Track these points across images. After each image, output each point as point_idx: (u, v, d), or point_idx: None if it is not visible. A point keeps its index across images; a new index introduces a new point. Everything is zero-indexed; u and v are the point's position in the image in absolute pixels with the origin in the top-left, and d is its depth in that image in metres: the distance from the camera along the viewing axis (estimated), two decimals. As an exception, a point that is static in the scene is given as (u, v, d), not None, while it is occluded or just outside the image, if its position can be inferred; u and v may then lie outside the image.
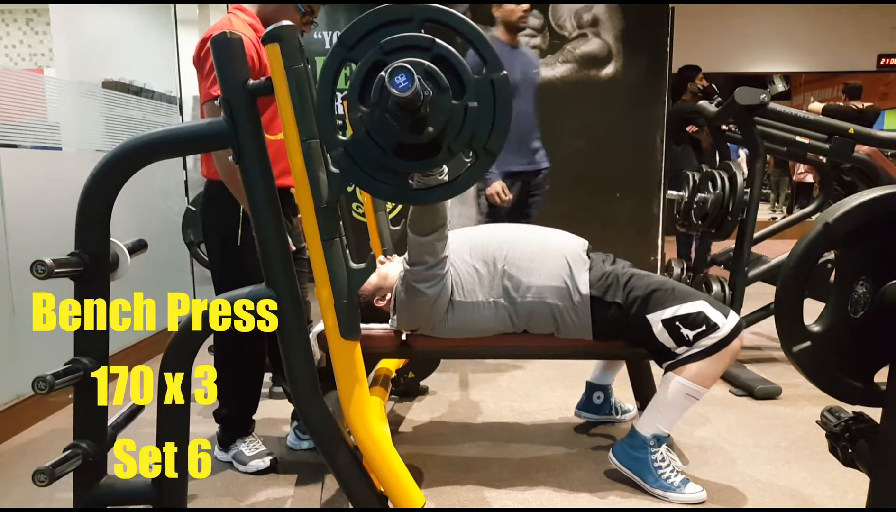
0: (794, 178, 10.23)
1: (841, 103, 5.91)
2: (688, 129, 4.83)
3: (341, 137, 1.21)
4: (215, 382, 2.08)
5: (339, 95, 4.56)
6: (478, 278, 1.88)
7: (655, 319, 1.81)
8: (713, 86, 4.76)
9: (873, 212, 1.18)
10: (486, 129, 1.17)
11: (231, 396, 2.10)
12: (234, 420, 2.11)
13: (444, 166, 1.40)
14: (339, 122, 2.57)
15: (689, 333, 1.78)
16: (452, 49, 1.15)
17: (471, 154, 1.21)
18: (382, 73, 1.12)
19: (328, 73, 1.20)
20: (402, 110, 1.11)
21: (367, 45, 1.16)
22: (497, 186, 2.95)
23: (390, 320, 2.00)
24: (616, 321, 1.85)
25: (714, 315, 1.79)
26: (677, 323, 1.79)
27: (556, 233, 2.04)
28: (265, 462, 2.05)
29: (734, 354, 1.81)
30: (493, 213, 3.04)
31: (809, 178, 9.31)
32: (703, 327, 1.78)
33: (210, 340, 1.87)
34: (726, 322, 1.79)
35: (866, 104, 5.78)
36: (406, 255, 1.84)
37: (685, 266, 3.24)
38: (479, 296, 1.87)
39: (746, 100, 2.62)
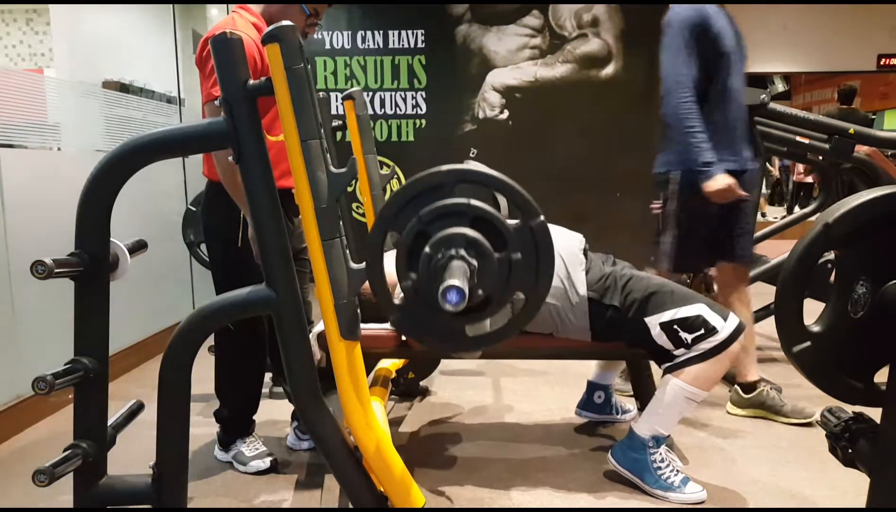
0: (794, 178, 10.24)
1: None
2: None
3: (396, 301, 1.26)
4: (215, 382, 2.11)
5: (339, 95, 4.57)
6: None
7: (653, 322, 1.81)
8: None
9: (873, 212, 1.18)
10: (532, 276, 1.21)
11: (231, 397, 2.10)
12: (235, 420, 2.11)
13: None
14: (339, 122, 2.59)
15: (687, 337, 1.78)
16: (488, 208, 1.19)
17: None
18: (427, 248, 1.18)
19: (376, 247, 1.25)
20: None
21: (407, 215, 1.21)
22: (721, 181, 2.17)
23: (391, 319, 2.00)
24: (614, 323, 1.85)
25: (713, 318, 1.78)
26: (675, 326, 1.79)
27: (552, 229, 2.02)
28: (265, 462, 2.05)
29: (733, 357, 1.80)
30: (700, 219, 2.28)
31: (809, 179, 9.32)
32: (702, 331, 1.77)
33: (210, 340, 1.87)
34: (725, 325, 1.78)
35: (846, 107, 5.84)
36: None
37: (685, 266, 3.24)
38: None
39: (746, 100, 2.62)
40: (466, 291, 1.10)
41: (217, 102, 1.68)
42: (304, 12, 1.93)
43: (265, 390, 2.49)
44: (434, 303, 1.17)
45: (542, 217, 1.19)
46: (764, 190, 11.13)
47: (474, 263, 1.16)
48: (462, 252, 1.15)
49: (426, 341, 1.35)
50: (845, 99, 5.91)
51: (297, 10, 1.92)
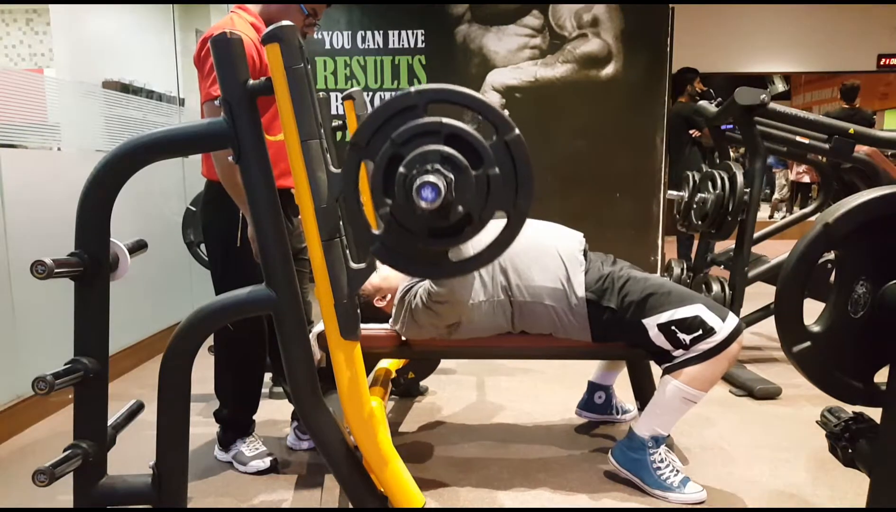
0: (793, 178, 10.24)
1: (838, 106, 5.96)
2: (691, 132, 4.83)
3: (375, 232, 1.22)
4: (215, 382, 2.11)
5: (339, 95, 4.57)
6: (479, 279, 1.88)
7: (651, 323, 1.80)
8: (710, 91, 4.78)
9: (873, 212, 1.18)
10: (511, 190, 1.18)
11: (231, 397, 2.10)
12: (235, 420, 2.11)
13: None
14: (339, 122, 2.59)
15: (685, 338, 1.78)
16: (462, 125, 1.16)
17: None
18: (402, 168, 1.14)
19: (349, 177, 1.21)
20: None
21: (380, 140, 1.17)
22: None
23: (390, 320, 2.00)
24: (612, 325, 1.85)
25: (711, 319, 1.78)
26: (673, 327, 1.78)
27: (552, 229, 2.01)
28: (265, 462, 2.05)
29: (732, 358, 1.80)
30: None
31: (807, 179, 9.32)
32: (700, 332, 1.77)
33: (210, 340, 1.87)
34: (723, 326, 1.78)
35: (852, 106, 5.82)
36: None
37: (685, 266, 3.24)
38: (480, 296, 1.87)
39: (746, 100, 2.62)
40: (442, 188, 1.08)
41: (216, 102, 1.68)
42: (303, 12, 1.94)
43: (265, 390, 2.49)
44: (413, 225, 1.16)
45: (516, 131, 1.16)
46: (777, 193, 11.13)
47: (451, 176, 1.13)
48: (437, 166, 1.12)
49: (409, 270, 1.33)
50: (848, 97, 5.89)
51: (295, 10, 1.92)
